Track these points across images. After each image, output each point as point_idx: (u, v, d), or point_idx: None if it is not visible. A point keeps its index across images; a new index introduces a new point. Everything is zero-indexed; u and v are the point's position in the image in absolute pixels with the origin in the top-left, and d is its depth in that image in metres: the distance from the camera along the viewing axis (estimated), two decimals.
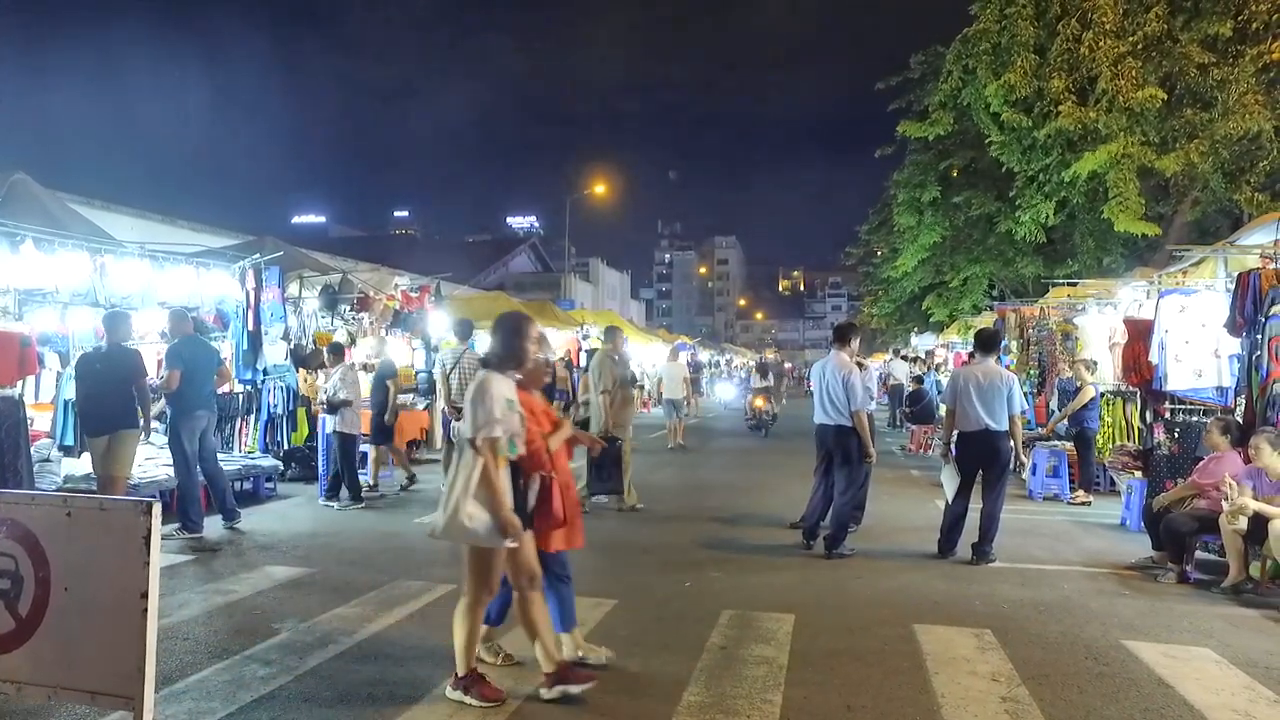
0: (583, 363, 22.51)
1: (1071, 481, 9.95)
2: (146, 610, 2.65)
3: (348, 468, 8.80)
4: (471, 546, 3.73)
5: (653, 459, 13.66)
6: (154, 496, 6.55)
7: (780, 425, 19.35)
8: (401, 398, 12.72)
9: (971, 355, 7.50)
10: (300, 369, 10.46)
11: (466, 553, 3.78)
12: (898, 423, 20.07)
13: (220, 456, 8.97)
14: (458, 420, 9.84)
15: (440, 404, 10.21)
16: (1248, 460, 6.14)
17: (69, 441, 7.85)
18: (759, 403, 19.16)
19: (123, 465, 6.80)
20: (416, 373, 13.40)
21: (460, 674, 3.81)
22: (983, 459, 6.76)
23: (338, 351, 9.39)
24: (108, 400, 6.74)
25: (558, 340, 21.58)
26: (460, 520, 3.62)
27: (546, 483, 3.91)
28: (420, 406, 12.53)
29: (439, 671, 4.16)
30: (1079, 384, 9.92)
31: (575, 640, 4.26)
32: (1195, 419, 8.01)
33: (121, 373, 6.82)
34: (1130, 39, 13.45)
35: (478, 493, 3.64)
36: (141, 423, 6.95)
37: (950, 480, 6.90)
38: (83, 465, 7.65)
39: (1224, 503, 5.86)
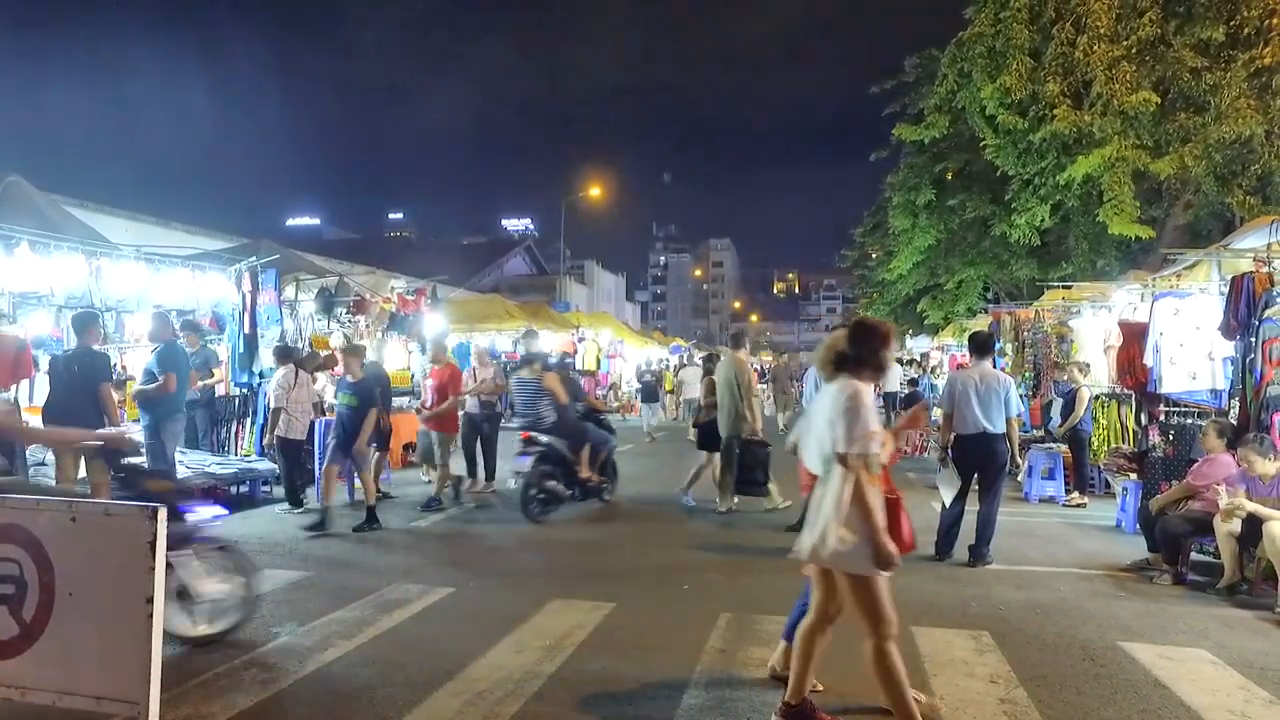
0: (578, 365, 22.60)
1: (1067, 484, 9.99)
2: (151, 615, 2.65)
3: (285, 473, 8.70)
4: (850, 578, 3.44)
5: (655, 459, 13.68)
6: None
7: (776, 427, 19.63)
8: (396, 400, 12.73)
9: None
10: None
11: (847, 586, 3.47)
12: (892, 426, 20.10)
13: (217, 460, 8.97)
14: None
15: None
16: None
17: None
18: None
19: (103, 471, 6.74)
20: (413, 376, 13.38)
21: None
22: (980, 461, 6.79)
23: (282, 355, 8.97)
24: (71, 404, 6.60)
25: (553, 342, 21.62)
26: (832, 545, 3.36)
27: (892, 502, 3.56)
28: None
29: (438, 674, 4.17)
30: (1074, 386, 9.96)
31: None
32: (1190, 421, 8.06)
33: (87, 376, 6.70)
34: (1124, 43, 13.55)
35: (850, 515, 3.33)
36: (110, 427, 6.82)
37: (947, 483, 6.93)
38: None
39: (1220, 501, 5.89)
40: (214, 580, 4.66)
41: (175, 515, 4.47)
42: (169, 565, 4.42)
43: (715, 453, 9.21)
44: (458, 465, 9.69)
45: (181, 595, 4.51)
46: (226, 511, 5.51)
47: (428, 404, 9.27)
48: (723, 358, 9.51)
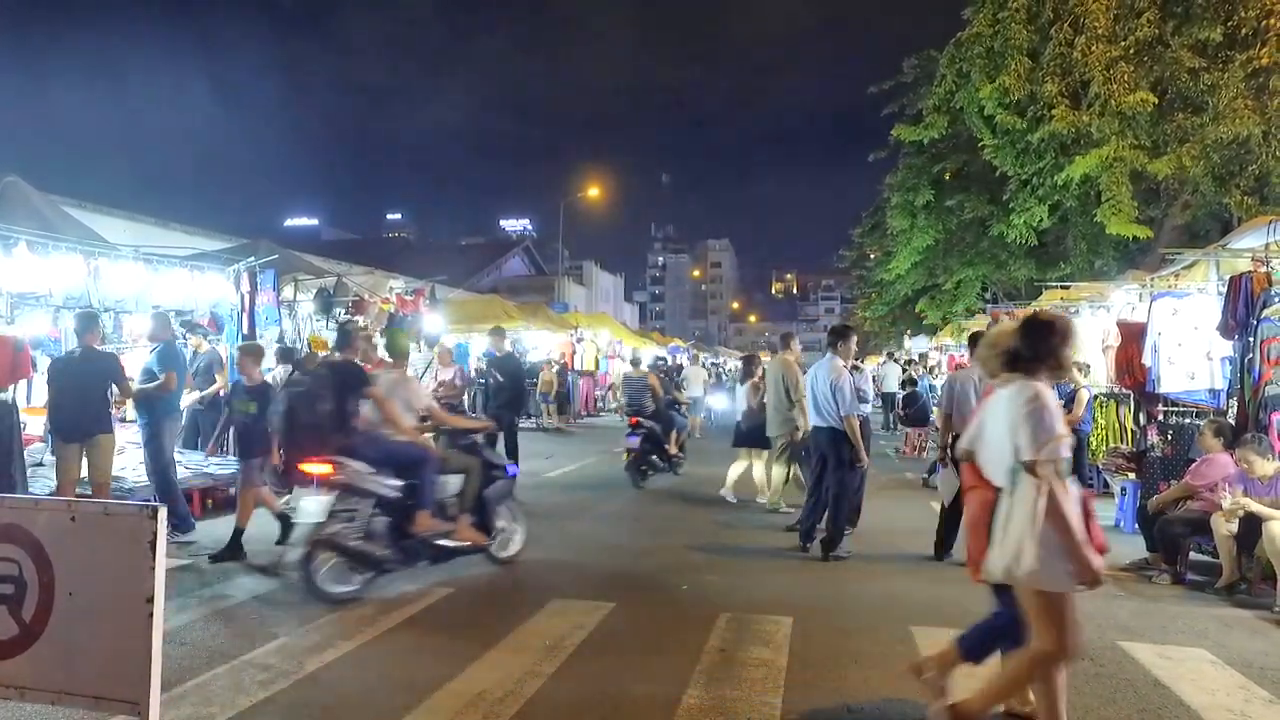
0: (577, 365, 22.61)
1: None
2: (152, 615, 2.64)
3: None
4: (1038, 594, 3.18)
5: None
6: (148, 500, 6.50)
7: None
8: None
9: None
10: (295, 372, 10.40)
11: (1031, 601, 3.22)
12: (892, 426, 20.15)
13: (216, 460, 8.96)
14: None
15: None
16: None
17: None
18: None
19: (105, 471, 6.74)
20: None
21: None
22: None
23: (282, 355, 8.75)
24: (81, 405, 6.60)
25: (551, 343, 21.62)
26: (1028, 563, 3.11)
27: (1085, 505, 3.33)
28: None
29: (438, 675, 4.17)
30: (1074, 387, 9.96)
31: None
32: (1188, 421, 8.07)
33: (96, 376, 6.70)
34: (1122, 44, 13.56)
35: (1045, 528, 3.09)
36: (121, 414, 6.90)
37: (947, 483, 6.92)
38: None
39: (1223, 502, 5.90)
40: (510, 519, 6.56)
41: (505, 474, 6.56)
42: (497, 511, 6.34)
43: (753, 448, 9.43)
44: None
45: (499, 531, 6.37)
46: (518, 468, 7.37)
47: None
48: (771, 359, 9.52)
